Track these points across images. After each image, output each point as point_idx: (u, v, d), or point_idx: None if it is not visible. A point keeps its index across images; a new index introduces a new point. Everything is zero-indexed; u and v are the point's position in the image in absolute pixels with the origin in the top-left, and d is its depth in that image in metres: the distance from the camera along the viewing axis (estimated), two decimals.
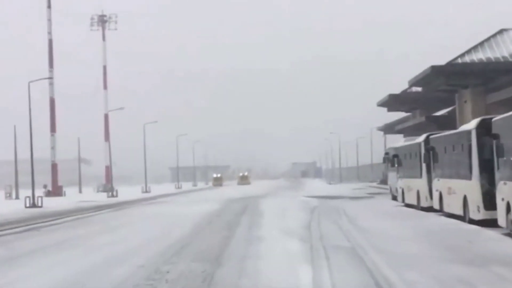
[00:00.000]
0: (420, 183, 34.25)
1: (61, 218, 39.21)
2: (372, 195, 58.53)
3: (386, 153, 49.32)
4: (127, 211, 46.44)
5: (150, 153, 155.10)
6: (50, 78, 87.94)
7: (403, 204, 39.39)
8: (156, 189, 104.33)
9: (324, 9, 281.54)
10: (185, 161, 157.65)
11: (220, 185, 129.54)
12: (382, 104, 65.39)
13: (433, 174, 31.45)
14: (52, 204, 61.57)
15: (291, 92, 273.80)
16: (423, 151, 33.53)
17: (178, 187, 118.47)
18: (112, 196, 79.09)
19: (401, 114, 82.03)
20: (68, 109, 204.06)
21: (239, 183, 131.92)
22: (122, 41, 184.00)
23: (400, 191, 40.13)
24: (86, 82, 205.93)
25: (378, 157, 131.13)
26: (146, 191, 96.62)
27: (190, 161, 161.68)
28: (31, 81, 60.88)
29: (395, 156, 41.48)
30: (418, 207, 34.93)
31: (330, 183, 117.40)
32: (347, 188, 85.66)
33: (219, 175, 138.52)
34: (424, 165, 33.56)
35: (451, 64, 45.45)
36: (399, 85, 68.96)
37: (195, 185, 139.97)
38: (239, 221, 31.35)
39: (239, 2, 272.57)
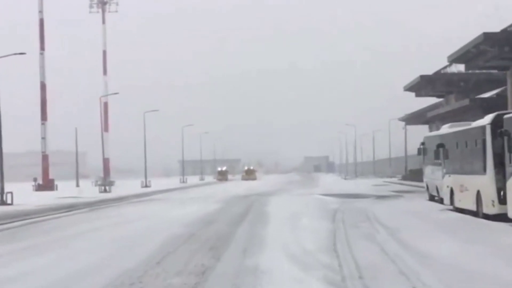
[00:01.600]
0: (483, 182, 24.67)
1: (10, 223, 29.86)
2: (399, 193, 49.01)
3: (423, 143, 39.67)
4: (103, 212, 37.07)
5: (160, 146, 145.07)
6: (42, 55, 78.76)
7: (451, 207, 29.84)
8: (158, 184, 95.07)
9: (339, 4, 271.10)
10: (195, 154, 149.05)
11: (225, 179, 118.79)
12: (410, 88, 55.76)
13: (509, 169, 21.80)
14: (30, 200, 52.65)
15: (304, 85, 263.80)
16: (489, 137, 23.93)
17: (183, 181, 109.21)
18: (105, 191, 69.90)
19: (424, 103, 72.49)
20: (71, 97, 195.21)
21: (243, 178, 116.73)
22: (123, 24, 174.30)
23: (447, 191, 30.53)
24: (84, 67, 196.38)
25: (397, 151, 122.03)
26: (146, 186, 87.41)
27: (205, 155, 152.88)
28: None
29: (440, 146, 31.84)
30: (478, 213, 25.34)
31: (345, 178, 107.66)
32: (365, 184, 76.03)
33: (224, 169, 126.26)
34: (490, 157, 23.96)
35: (506, 31, 35.87)
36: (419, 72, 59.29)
37: (202, 179, 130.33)
38: (233, 234, 21.88)
39: None
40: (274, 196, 48.40)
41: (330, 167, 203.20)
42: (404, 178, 78.80)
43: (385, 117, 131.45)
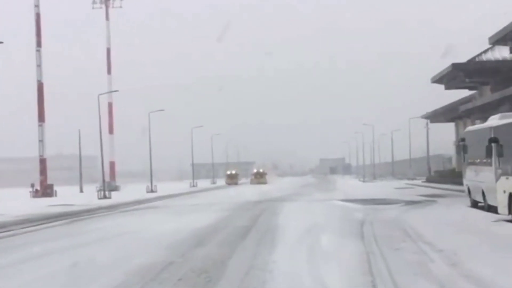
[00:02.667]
0: None
1: None
2: (430, 198, 42.50)
3: (462, 139, 33.11)
4: (84, 225, 30.85)
5: (174, 148, 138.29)
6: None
7: (508, 217, 23.39)
8: (166, 188, 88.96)
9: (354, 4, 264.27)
10: (209, 156, 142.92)
11: (235, 183, 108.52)
12: (439, 79, 49.17)
13: None
14: (17, 208, 47.02)
15: (320, 85, 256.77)
16: None
17: (193, 185, 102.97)
18: (104, 197, 63.83)
19: (449, 98, 65.96)
20: (75, 97, 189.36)
21: (252, 182, 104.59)
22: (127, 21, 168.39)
23: (503, 197, 24.06)
24: (87, 67, 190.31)
25: (415, 152, 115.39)
26: (152, 191, 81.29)
27: (216, 157, 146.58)
28: None
29: (493, 141, 25.29)
30: None
31: (364, 181, 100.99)
32: (387, 187, 69.45)
33: (233, 172, 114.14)
34: None
35: None
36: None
37: (214, 182, 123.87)
38: (226, 264, 15.48)
39: None
40: (287, 203, 42.01)
41: (346, 169, 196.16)
42: (429, 180, 72.27)
43: (402, 117, 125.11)
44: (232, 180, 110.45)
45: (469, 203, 32.30)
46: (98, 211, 41.47)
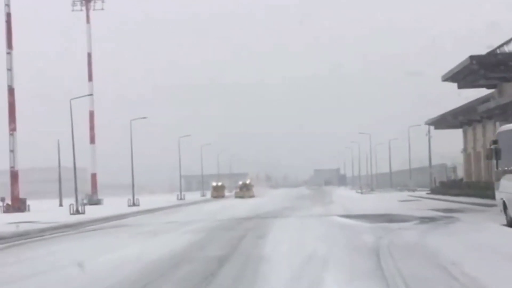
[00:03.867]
0: None
1: None
2: (446, 213, 35.65)
3: (494, 141, 26.25)
4: (15, 252, 23.91)
5: (168, 160, 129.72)
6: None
7: None
8: (150, 201, 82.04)
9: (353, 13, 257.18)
10: (206, 168, 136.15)
11: (222, 196, 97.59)
12: (452, 76, 42.30)
13: None
14: None
15: (314, 95, 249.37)
16: None
17: (181, 198, 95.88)
18: (77, 213, 56.77)
19: (452, 103, 59.24)
20: (59, 105, 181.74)
21: (237, 196, 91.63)
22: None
23: None
24: (67, 73, 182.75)
25: (415, 161, 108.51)
26: (134, 204, 74.31)
27: (208, 168, 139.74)
28: None
29: None
30: None
31: (361, 193, 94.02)
32: (388, 199, 62.62)
33: (219, 184, 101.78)
34: None
35: None
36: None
37: (203, 195, 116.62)
38: None
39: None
40: (278, 220, 35.14)
41: (341, 180, 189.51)
42: (434, 191, 65.42)
43: (400, 125, 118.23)
44: (218, 192, 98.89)
45: (504, 221, 25.56)
46: (56, 231, 34.64)
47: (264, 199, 74.66)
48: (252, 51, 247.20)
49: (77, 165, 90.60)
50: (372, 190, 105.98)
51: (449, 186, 61.36)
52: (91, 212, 56.81)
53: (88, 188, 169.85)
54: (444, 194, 58.91)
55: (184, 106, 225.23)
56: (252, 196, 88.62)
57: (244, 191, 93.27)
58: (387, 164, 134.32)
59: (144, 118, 78.15)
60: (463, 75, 40.15)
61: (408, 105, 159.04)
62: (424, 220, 30.76)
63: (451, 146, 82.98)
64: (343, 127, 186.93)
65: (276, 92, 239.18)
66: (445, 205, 44.28)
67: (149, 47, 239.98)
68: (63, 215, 52.07)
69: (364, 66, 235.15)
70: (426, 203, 49.71)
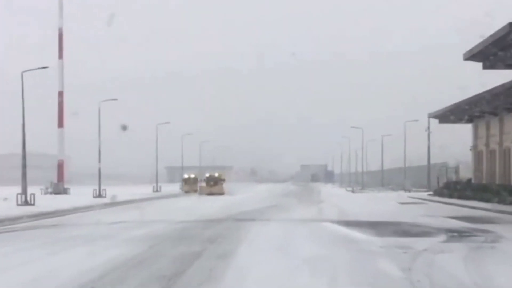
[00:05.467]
0: None
1: None
2: (472, 223, 27.33)
3: None
4: None
5: (150, 150, 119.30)
6: None
7: None
8: (121, 193, 73.56)
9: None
10: (190, 160, 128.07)
11: (195, 190, 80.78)
12: (477, 54, 33.87)
13: None
14: None
15: (302, 85, 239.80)
16: None
17: (156, 190, 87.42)
18: (26, 204, 48.37)
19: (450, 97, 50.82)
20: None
21: (202, 192, 73.52)
22: None
23: None
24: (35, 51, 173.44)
25: (411, 160, 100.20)
26: (100, 195, 66.00)
27: (195, 161, 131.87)
28: None
29: None
30: None
31: (353, 191, 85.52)
32: (385, 200, 54.29)
33: (192, 176, 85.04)
34: None
35: None
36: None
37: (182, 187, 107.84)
38: None
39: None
40: (256, 225, 26.68)
41: (328, 177, 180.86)
42: (437, 193, 57.06)
43: (396, 121, 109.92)
44: (191, 186, 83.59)
45: None
46: None
47: (246, 196, 66.02)
48: (243, 38, 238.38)
49: (49, 152, 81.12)
50: (362, 188, 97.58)
51: (455, 188, 52.99)
52: (44, 203, 48.27)
53: (68, 176, 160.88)
54: (450, 196, 50.54)
55: (169, 96, 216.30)
56: (221, 193, 70.71)
57: (211, 185, 73.57)
58: (376, 161, 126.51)
59: (114, 99, 69.44)
60: (496, 49, 31.67)
61: (408, 100, 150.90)
62: (453, 235, 22.34)
63: (453, 143, 74.94)
64: (335, 120, 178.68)
65: (266, 82, 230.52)
66: (461, 211, 35.92)
67: (127, 32, 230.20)
68: (8, 207, 43.67)
69: (361, 56, 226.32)
70: (434, 208, 41.36)
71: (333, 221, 28.61)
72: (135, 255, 17.01)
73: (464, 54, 35.51)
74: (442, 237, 21.52)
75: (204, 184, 75.68)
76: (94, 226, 26.97)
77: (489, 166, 51.23)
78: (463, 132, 76.90)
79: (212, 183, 73.95)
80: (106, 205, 47.45)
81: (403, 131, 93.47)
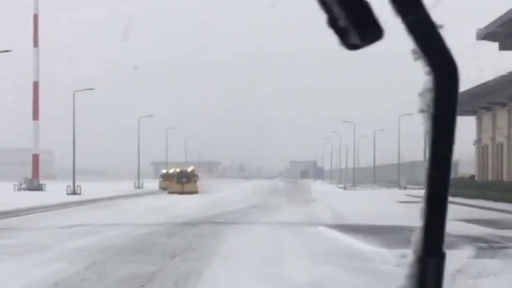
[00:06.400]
0: None
1: None
2: (495, 228, 22.80)
3: None
4: None
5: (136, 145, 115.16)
6: None
7: None
8: (100, 189, 69.09)
9: None
10: (177, 156, 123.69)
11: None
12: (492, 32, 29.31)
13: None
14: None
15: (292, 78, 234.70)
16: None
17: (138, 187, 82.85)
18: None
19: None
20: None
21: (170, 190, 60.63)
22: None
23: None
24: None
25: (407, 156, 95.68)
26: (74, 192, 61.28)
27: (181, 157, 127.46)
28: None
29: None
30: None
31: (344, 188, 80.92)
32: (382, 199, 49.75)
33: (171, 171, 68.77)
34: None
35: None
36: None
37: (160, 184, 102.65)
38: None
39: None
40: (237, 231, 22.02)
41: (318, 173, 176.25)
42: None
43: (389, 115, 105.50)
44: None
45: None
46: None
47: (230, 193, 61.25)
48: (229, 30, 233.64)
49: (46, 148, 77.04)
50: (354, 185, 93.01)
51: (457, 186, 48.42)
52: (6, 201, 43.53)
53: (49, 172, 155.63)
54: (453, 195, 45.87)
55: (157, 87, 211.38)
56: (193, 192, 58.46)
57: (183, 183, 60.72)
58: (366, 158, 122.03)
59: (90, 89, 64.64)
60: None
61: (402, 92, 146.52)
62: (481, 246, 17.76)
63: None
64: (325, 115, 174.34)
65: (255, 77, 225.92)
66: (474, 213, 31.35)
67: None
68: None
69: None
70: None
71: (328, 226, 24.00)
72: (63, 278, 12.33)
73: (478, 35, 30.88)
74: (470, 250, 16.91)
75: (175, 180, 62.59)
76: (41, 232, 22.23)
77: (495, 162, 46.72)
78: (460, 125, 72.62)
79: (184, 180, 61.30)
80: (74, 204, 42.79)
81: (397, 126, 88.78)
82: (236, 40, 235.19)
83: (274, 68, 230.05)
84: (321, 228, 22.98)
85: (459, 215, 30.11)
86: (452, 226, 23.78)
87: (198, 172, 64.65)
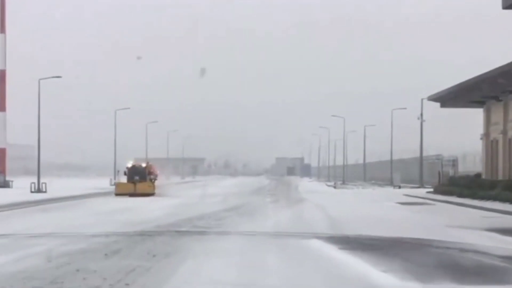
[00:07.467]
0: None
1: None
2: None
3: None
4: None
5: (119, 139, 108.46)
6: None
7: None
8: (70, 186, 63.51)
9: None
10: (159, 151, 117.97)
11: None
12: None
13: None
14: None
15: (282, 72, 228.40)
16: None
17: (113, 184, 76.64)
18: None
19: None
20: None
21: (119, 191, 47.10)
22: None
23: None
24: None
25: (397, 152, 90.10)
26: (39, 190, 55.60)
27: (164, 153, 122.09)
28: None
29: None
30: None
31: (334, 187, 75.18)
32: (378, 199, 44.10)
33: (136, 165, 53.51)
34: None
35: None
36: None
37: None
38: None
39: None
40: (204, 246, 16.26)
41: (305, 170, 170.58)
42: (438, 191, 46.90)
43: (381, 110, 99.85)
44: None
45: None
46: None
47: (211, 191, 55.36)
48: (214, 27, 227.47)
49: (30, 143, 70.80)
50: (344, 183, 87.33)
51: (463, 185, 42.83)
52: None
53: (31, 166, 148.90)
54: (459, 195, 40.30)
55: (137, 80, 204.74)
56: (149, 193, 45.83)
57: (135, 182, 47.07)
58: (355, 154, 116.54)
59: (58, 77, 58.65)
60: None
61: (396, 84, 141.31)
62: None
63: (453, 133, 65.19)
64: (314, 110, 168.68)
65: (239, 70, 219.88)
66: (498, 220, 25.67)
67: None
68: None
69: (338, 37, 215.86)
70: (449, 211, 31.14)
71: (323, 238, 18.32)
72: None
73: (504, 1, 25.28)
74: None
75: (124, 179, 49.01)
76: None
77: (507, 159, 41.13)
78: (460, 119, 67.16)
79: (137, 178, 47.44)
80: (28, 204, 36.92)
81: (390, 120, 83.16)
82: (226, 28, 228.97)
83: (261, 59, 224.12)
84: (315, 243, 17.29)
85: (482, 223, 24.45)
86: (483, 239, 18.17)
87: (156, 168, 51.26)
